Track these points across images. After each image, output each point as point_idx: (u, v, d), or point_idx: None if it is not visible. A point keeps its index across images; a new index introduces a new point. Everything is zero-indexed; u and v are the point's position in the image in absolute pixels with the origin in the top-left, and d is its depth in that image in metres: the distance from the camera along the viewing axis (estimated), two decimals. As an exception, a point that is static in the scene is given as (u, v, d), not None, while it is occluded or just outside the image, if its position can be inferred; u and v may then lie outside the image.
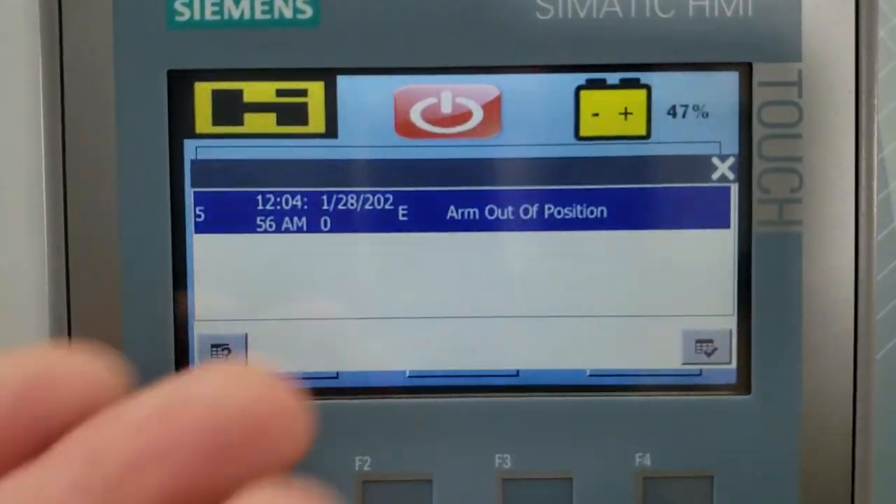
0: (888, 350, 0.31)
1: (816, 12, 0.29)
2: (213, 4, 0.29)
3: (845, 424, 0.30)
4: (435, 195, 0.31)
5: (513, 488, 0.30)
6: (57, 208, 0.29)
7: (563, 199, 0.30)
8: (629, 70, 0.30)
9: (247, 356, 0.30)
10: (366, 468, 0.30)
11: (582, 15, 0.29)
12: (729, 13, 0.29)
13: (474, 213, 0.31)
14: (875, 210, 0.30)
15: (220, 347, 0.31)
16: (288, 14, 0.29)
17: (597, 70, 0.30)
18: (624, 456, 0.30)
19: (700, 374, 0.31)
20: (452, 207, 0.31)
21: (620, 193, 0.30)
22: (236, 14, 0.29)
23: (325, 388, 0.31)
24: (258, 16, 0.29)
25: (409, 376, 0.31)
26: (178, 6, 0.29)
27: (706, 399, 0.30)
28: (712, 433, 0.30)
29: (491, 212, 0.31)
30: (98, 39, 0.29)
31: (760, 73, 0.29)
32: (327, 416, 0.30)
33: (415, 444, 0.30)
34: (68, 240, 0.30)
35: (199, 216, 0.30)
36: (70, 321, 0.30)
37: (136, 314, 0.30)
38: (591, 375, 0.31)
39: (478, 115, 0.30)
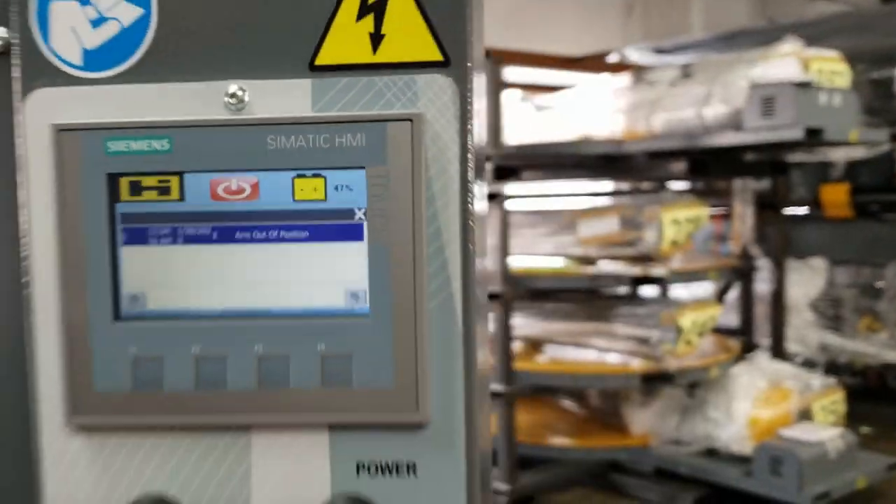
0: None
1: (395, 135, 0.63)
2: (125, 143, 0.65)
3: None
4: (230, 227, 0.66)
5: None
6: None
7: (287, 228, 0.65)
8: (315, 169, 0.64)
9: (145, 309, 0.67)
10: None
11: (294, 143, 0.64)
12: (354, 143, 0.63)
13: (247, 234, 0.66)
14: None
15: (136, 300, 0.67)
16: (158, 147, 0.65)
17: (301, 169, 0.64)
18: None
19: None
20: (238, 232, 0.66)
21: (316, 226, 0.65)
22: (137, 148, 0.65)
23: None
24: (144, 149, 0.65)
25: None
26: (110, 145, 0.65)
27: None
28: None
29: (255, 234, 0.66)
30: (71, 164, 0.65)
31: (370, 171, 0.63)
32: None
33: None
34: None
35: (125, 237, 0.66)
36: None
37: (96, 284, 0.66)
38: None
39: (248, 190, 0.65)
